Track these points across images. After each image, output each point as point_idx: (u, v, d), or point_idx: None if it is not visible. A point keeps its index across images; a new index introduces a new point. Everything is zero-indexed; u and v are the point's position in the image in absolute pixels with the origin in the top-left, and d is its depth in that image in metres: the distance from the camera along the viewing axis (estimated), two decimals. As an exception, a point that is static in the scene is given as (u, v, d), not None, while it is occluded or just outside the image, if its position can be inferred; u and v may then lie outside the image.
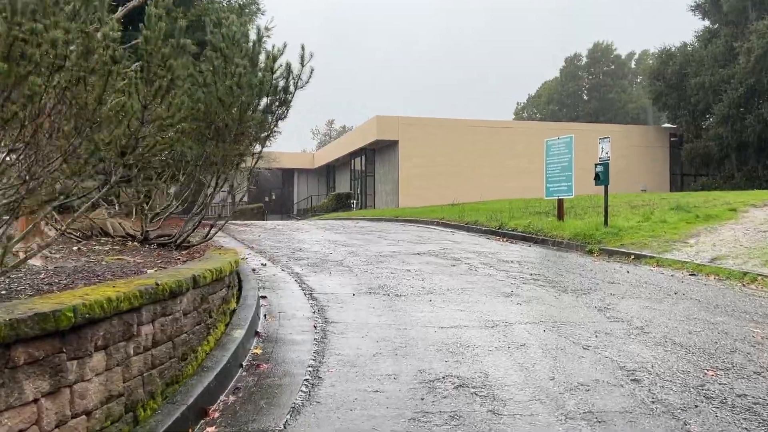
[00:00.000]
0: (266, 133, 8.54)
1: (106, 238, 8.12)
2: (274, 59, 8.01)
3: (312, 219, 30.25)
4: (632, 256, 10.58)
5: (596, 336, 5.49)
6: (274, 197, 52.83)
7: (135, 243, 7.95)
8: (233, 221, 20.39)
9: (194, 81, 7.02)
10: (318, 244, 11.82)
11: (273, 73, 8.00)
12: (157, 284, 3.70)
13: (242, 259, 7.88)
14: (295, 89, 8.64)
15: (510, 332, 5.56)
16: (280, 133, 18.27)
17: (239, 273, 7.38)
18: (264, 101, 8.12)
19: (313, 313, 6.21)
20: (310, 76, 8.70)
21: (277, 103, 8.29)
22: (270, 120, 8.44)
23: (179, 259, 6.39)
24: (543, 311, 6.43)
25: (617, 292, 7.52)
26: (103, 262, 5.66)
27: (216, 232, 8.80)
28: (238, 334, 4.93)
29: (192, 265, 5.29)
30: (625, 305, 6.81)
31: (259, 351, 4.97)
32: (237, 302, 6.09)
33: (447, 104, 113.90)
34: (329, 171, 50.23)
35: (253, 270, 8.40)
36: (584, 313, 6.40)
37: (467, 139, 35.17)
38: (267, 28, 14.77)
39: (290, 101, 8.23)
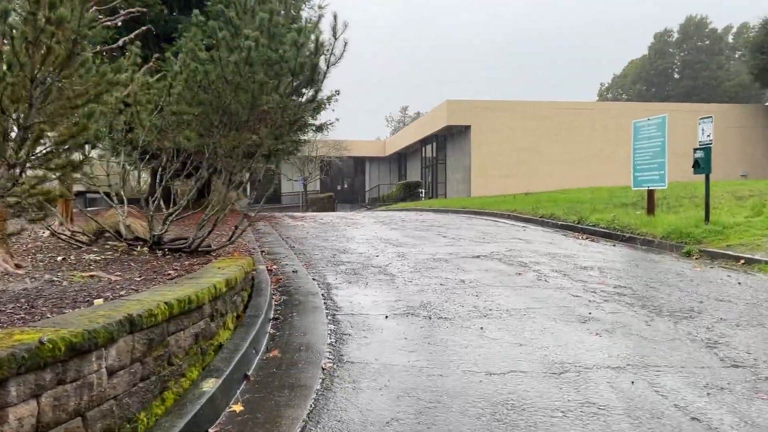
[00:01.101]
0: (296, 119, 7.28)
1: (115, 242, 7.13)
2: (300, 32, 6.73)
3: (378, 209, 29.08)
4: (742, 261, 8.66)
5: (707, 393, 3.90)
6: (346, 186, 52.13)
7: (144, 248, 6.92)
8: (292, 214, 19.48)
9: (194, 57, 5.84)
10: (366, 244, 10.53)
11: (299, 48, 6.72)
12: (42, 343, 2.49)
13: (255, 269, 6.68)
14: (327, 66, 7.36)
15: (584, 384, 4.05)
16: (312, 121, 17.10)
17: (255, 284, 6.20)
18: (289, 82, 6.86)
19: (329, 344, 4.90)
20: (344, 51, 7.40)
21: (306, 84, 7.03)
22: (301, 103, 7.18)
23: (169, 274, 5.24)
24: (630, 347, 4.85)
25: (730, 316, 5.79)
26: (65, 282, 4.57)
27: (240, 235, 7.67)
28: (210, 385, 3.68)
29: (161, 289, 4.10)
30: (744, 338, 5.11)
31: (238, 408, 3.72)
32: (236, 327, 4.89)
33: (527, 87, 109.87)
34: (401, 159, 48.93)
35: (278, 279, 7.21)
36: (687, 351, 4.77)
37: (544, 122, 32.94)
38: (320, 6, 13.54)
39: (321, 81, 6.93)
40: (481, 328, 5.32)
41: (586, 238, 11.76)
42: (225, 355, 4.24)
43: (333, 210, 38.94)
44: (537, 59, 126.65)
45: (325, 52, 7.11)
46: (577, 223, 13.09)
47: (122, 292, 4.28)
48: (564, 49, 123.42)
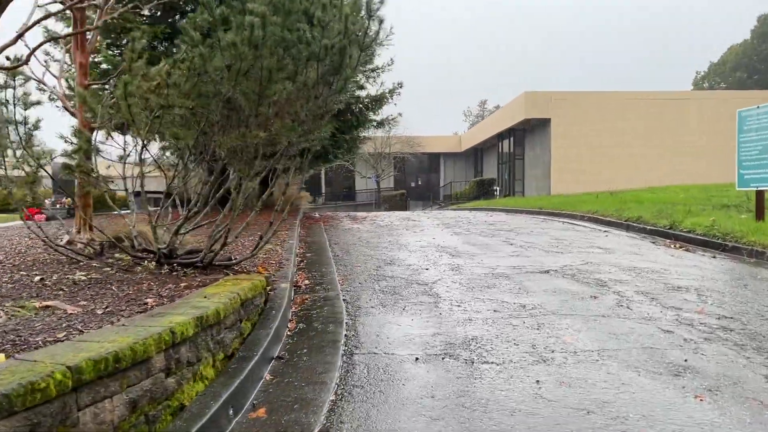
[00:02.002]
0: (322, 112, 6.20)
1: (122, 254, 6.32)
2: (324, 8, 5.65)
3: (448, 208, 27.78)
4: None
5: None
6: (419, 183, 50.97)
7: (152, 263, 6.06)
8: (354, 214, 18.56)
9: (190, 39, 4.86)
10: (419, 252, 9.34)
11: (323, 28, 5.64)
12: None
13: (273, 289, 5.65)
14: (360, 52, 6.24)
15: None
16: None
17: (265, 309, 5.19)
18: (311, 69, 5.79)
19: (332, 401, 3.79)
20: (378, 32, 6.27)
21: (333, 72, 5.96)
22: (325, 95, 6.10)
23: (146, 303, 4.28)
24: (746, 422, 3.45)
25: None
26: (3, 317, 3.68)
27: (262, 246, 6.68)
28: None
29: (91, 338, 3.11)
30: None
31: None
32: (220, 373, 3.87)
33: (612, 79, 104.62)
34: (476, 154, 47.23)
35: (303, 300, 6.18)
36: (836, 434, 3.33)
37: (631, 114, 30.50)
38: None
39: (347, 67, 5.82)
40: (537, 381, 4.04)
41: (680, 248, 10.07)
42: (182, 423, 3.21)
43: (405, 208, 37.94)
44: (623, 49, 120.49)
45: (356, 33, 6.00)
46: (669, 229, 11.35)
47: (60, 335, 3.35)
48: (652, 37, 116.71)
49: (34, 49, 6.30)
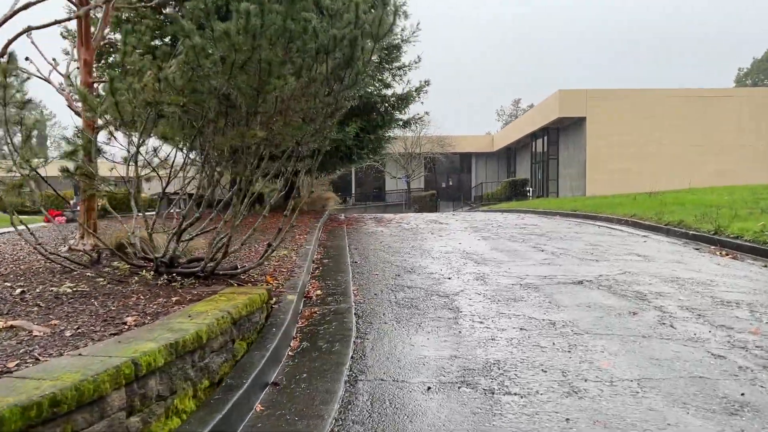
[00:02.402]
0: (332, 110, 5.72)
1: (120, 263, 5.92)
2: (334, -5, 5.17)
3: (479, 210, 27.10)
4: None
5: None
6: (451, 183, 50.22)
7: (150, 272, 5.65)
8: (380, 216, 18.07)
9: (180, 29, 4.41)
10: (443, 259, 8.78)
11: (332, 17, 5.16)
12: None
13: (277, 302, 5.17)
14: (375, 43, 5.74)
15: None
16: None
17: (265, 326, 4.73)
18: (319, 62, 5.31)
19: (328, 442, 3.29)
20: (394, 22, 5.75)
21: (344, 65, 5.47)
22: (336, 90, 5.61)
23: (125, 323, 3.84)
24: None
25: None
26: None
27: (270, 253, 6.21)
28: None
29: (30, 374, 2.67)
30: None
31: None
32: (201, 406, 3.40)
33: (649, 77, 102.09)
34: (509, 154, 46.29)
35: (311, 314, 5.70)
36: None
37: (670, 112, 29.37)
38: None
39: (358, 61, 5.32)
40: (567, 420, 3.47)
41: (726, 255, 9.30)
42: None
43: (435, 209, 37.33)
44: (660, 45, 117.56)
45: (369, 24, 5.49)
46: (713, 234, 10.56)
47: (11, 364, 2.92)
48: (691, 33, 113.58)
49: (10, 42, 5.96)
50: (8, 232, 10.19)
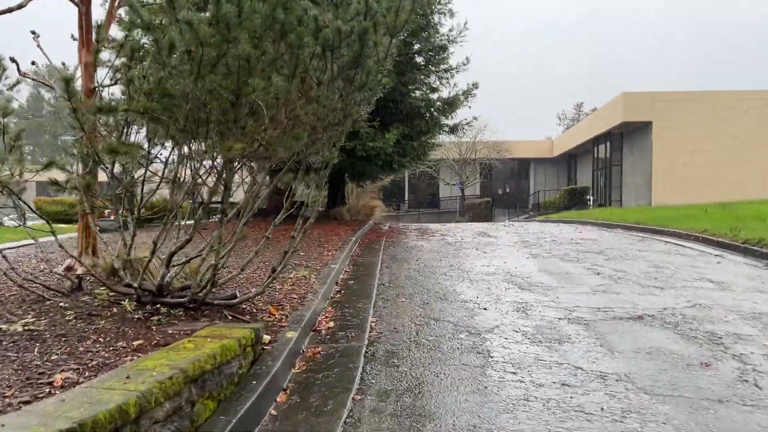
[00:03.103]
0: (340, 118, 4.91)
1: (105, 290, 5.27)
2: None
3: (535, 219, 25.76)
4: None
5: None
6: (507, 190, 48.63)
7: (132, 303, 4.97)
8: (425, 227, 17.15)
9: (139, 21, 3.67)
10: (482, 283, 7.80)
11: (337, 6, 4.36)
12: None
13: (267, 345, 4.35)
14: (392, 37, 4.90)
15: None
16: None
17: (250, 375, 3.95)
18: (320, 58, 4.52)
19: None
20: (411, 12, 4.91)
21: (351, 65, 4.65)
22: (347, 92, 4.79)
23: (52, 383, 3.10)
24: None
25: None
26: None
27: (271, 280, 5.45)
28: None
29: None
30: None
31: None
32: None
33: (721, 76, 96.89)
34: (570, 160, 44.40)
35: (315, 354, 4.87)
36: None
37: (744, 116, 27.24)
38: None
39: (367, 58, 4.49)
40: None
41: (819, 283, 7.94)
42: None
43: (489, 217, 36.09)
44: (734, 45, 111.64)
45: (383, 13, 4.64)
46: (802, 256, 9.16)
47: None
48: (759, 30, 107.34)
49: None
50: (29, 244, 9.85)
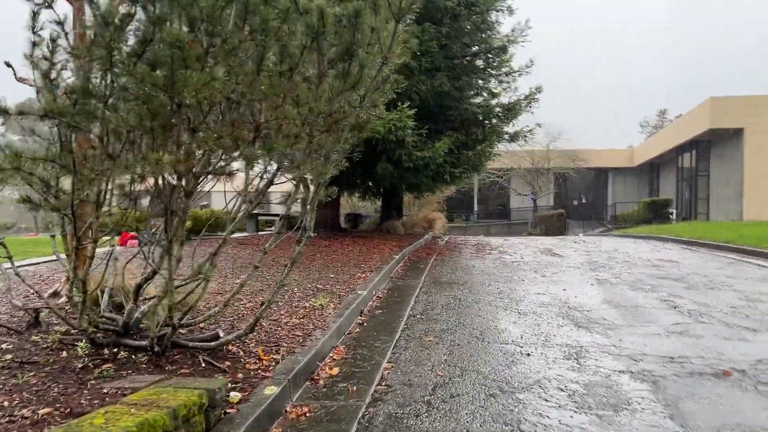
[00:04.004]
0: (331, 123, 3.99)
1: (64, 328, 4.53)
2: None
3: (612, 233, 23.90)
4: None
5: None
6: (583, 201, 46.20)
7: (85, 344, 4.18)
8: (482, 242, 15.93)
9: None
10: (531, 318, 6.62)
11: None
12: None
13: (242, 399, 3.42)
14: (397, 22, 3.93)
15: None
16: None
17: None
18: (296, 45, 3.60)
19: None
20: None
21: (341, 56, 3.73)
22: (338, 90, 3.88)
23: None
24: None
25: None
26: None
27: (260, 317, 4.55)
28: None
29: None
30: None
31: None
32: None
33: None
34: (652, 170, 41.64)
35: (298, 417, 3.91)
36: None
37: None
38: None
39: (358, 47, 3.53)
40: None
41: None
42: None
43: (562, 230, 34.17)
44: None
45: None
46: None
47: None
48: None
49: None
50: (50, 260, 9.45)
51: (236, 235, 16.61)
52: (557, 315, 6.74)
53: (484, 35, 13.15)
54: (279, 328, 5.41)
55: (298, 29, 3.46)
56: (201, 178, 3.51)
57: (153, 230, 12.28)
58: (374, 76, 3.81)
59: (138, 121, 3.00)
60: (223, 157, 3.51)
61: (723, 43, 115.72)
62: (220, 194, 4.89)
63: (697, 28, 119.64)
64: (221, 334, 4.61)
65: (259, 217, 17.92)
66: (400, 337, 5.80)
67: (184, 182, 3.42)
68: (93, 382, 3.53)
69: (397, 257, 10.59)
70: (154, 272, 4.18)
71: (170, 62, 2.82)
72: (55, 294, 5.80)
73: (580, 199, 45.68)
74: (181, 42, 2.82)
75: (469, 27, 11.72)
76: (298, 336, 5.22)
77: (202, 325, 4.93)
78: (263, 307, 4.53)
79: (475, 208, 44.77)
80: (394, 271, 9.67)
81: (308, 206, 4.55)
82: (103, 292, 5.05)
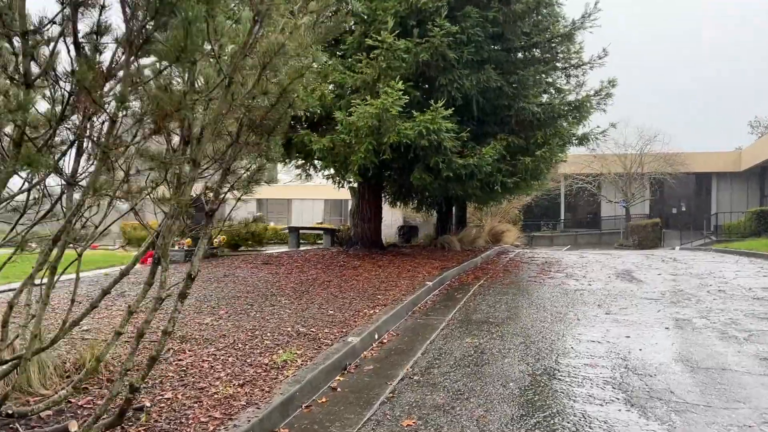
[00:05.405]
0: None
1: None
2: None
3: (713, 247, 20.96)
4: None
5: None
6: (683, 209, 42.13)
7: None
8: (556, 259, 13.93)
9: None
10: (568, 385, 4.83)
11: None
12: None
13: None
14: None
15: None
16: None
17: None
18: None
19: None
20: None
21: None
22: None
23: None
24: None
25: None
26: None
27: (147, 372, 3.13)
28: None
29: None
30: None
31: None
32: None
33: None
34: (763, 175, 37.27)
35: None
36: None
37: None
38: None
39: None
40: None
41: None
42: None
43: (657, 241, 31.05)
44: None
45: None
46: None
47: None
48: None
49: None
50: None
51: (271, 250, 15.47)
52: (606, 382, 4.91)
53: (543, 20, 11.27)
54: (196, 404, 3.99)
55: None
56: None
57: (176, 247, 11.16)
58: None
59: None
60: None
61: None
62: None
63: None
64: (73, 428, 3.23)
65: (301, 231, 16.72)
66: (369, 420, 4.20)
67: None
68: None
69: (431, 284, 8.95)
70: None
71: None
72: None
73: (680, 207, 41.79)
74: None
75: (521, 8, 9.89)
76: (216, 420, 3.76)
77: (49, 412, 3.58)
78: (152, 362, 3.12)
79: (562, 217, 41.88)
80: (420, 303, 8.06)
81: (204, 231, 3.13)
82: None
